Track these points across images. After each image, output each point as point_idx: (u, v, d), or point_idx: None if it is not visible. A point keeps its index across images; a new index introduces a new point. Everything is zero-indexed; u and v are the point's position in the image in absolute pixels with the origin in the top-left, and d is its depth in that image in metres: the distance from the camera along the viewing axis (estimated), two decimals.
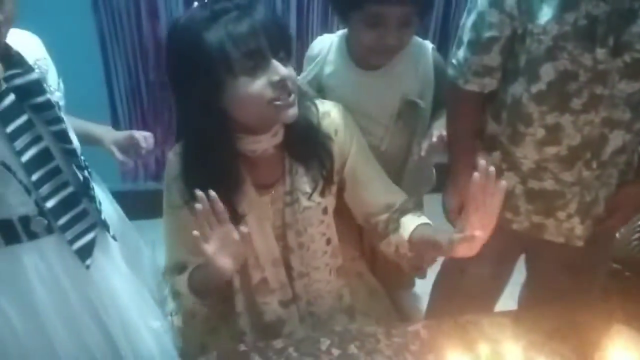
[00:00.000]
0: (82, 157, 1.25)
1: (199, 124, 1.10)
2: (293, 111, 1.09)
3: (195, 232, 1.03)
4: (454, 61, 1.32)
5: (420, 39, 1.51)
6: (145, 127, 2.46)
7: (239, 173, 1.18)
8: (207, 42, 1.00)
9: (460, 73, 1.30)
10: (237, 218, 1.16)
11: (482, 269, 1.51)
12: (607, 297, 1.67)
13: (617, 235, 1.70)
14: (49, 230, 1.10)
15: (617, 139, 1.22)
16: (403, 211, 1.27)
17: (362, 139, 1.31)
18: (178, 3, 2.19)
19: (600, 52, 1.11)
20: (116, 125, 2.42)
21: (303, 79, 1.54)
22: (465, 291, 1.55)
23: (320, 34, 1.59)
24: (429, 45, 1.51)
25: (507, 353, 1.02)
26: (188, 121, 1.14)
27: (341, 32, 1.53)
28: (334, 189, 1.28)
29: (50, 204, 1.07)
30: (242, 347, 1.13)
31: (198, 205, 1.02)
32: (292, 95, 1.08)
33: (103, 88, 2.35)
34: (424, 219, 1.25)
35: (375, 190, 1.29)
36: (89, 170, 1.23)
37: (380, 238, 1.29)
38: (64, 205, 1.09)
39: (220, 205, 1.04)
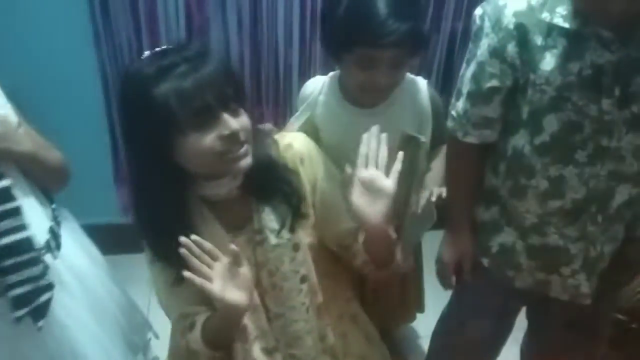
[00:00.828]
0: (53, 208, 1.20)
1: (152, 177, 1.06)
2: (245, 162, 1.06)
3: (187, 274, 1.00)
4: (453, 113, 1.24)
5: (412, 76, 1.46)
6: None
7: (205, 219, 1.14)
8: (154, 101, 0.96)
9: (460, 125, 1.22)
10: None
11: (482, 322, 1.42)
12: (612, 349, 1.59)
13: None
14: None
15: (623, 192, 1.13)
16: None
17: (330, 166, 1.28)
18: (180, 38, 2.15)
19: (606, 103, 1.03)
20: (115, 158, 2.36)
21: (296, 119, 1.50)
22: (465, 344, 1.47)
23: (322, 71, 1.56)
24: (422, 80, 1.47)
25: None
26: (141, 174, 1.10)
27: (333, 72, 1.48)
28: (307, 223, 1.22)
29: (7, 263, 1.03)
30: None
31: (183, 251, 1.00)
32: (245, 146, 1.05)
33: (104, 122, 2.28)
34: None
35: (343, 218, 1.23)
36: (58, 220, 1.19)
37: (349, 259, 1.28)
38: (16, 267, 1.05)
39: (207, 244, 1.02)
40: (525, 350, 1.58)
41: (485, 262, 1.34)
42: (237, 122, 1.02)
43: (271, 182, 1.16)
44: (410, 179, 1.51)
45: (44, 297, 1.09)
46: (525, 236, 1.23)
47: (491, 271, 1.33)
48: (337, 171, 1.31)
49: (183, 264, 1.06)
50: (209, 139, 1.01)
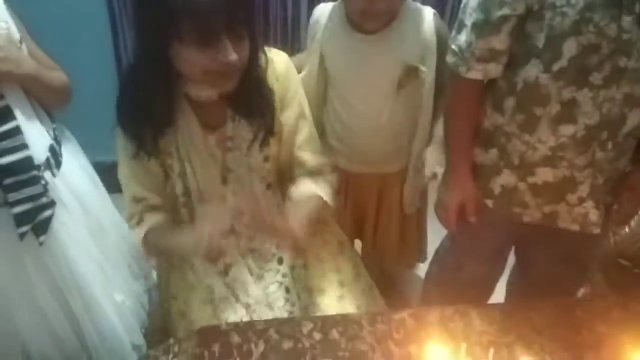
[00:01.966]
0: (54, 127, 1.20)
1: (148, 61, 1.08)
2: (228, 86, 1.09)
3: None
4: (454, 47, 1.17)
5: (420, 5, 1.42)
6: None
7: (184, 112, 1.17)
8: (168, 4, 0.96)
9: (462, 60, 1.16)
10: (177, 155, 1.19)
11: (479, 263, 1.41)
12: (615, 295, 1.59)
13: (627, 229, 1.60)
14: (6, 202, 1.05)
15: (634, 118, 1.08)
16: (312, 173, 1.28)
17: (302, 93, 1.29)
18: None
19: (626, 21, 0.98)
20: None
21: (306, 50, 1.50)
22: (462, 284, 1.45)
23: None
24: (430, 11, 1.42)
25: (492, 347, 0.95)
26: (138, 55, 1.12)
27: None
28: (276, 138, 1.25)
29: (8, 181, 1.03)
30: (223, 327, 1.08)
31: None
32: (236, 73, 1.07)
33: (112, 62, 2.27)
34: (315, 191, 1.25)
35: (298, 144, 1.29)
36: (59, 139, 1.19)
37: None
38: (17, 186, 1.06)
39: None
40: (514, 287, 1.57)
41: (489, 203, 1.30)
42: (237, 51, 1.02)
43: (253, 99, 1.17)
44: (414, 116, 1.47)
45: (45, 214, 1.09)
46: (528, 175, 1.20)
47: (495, 211, 1.30)
48: (306, 102, 1.32)
49: (150, 145, 1.16)
50: (205, 58, 1.01)
